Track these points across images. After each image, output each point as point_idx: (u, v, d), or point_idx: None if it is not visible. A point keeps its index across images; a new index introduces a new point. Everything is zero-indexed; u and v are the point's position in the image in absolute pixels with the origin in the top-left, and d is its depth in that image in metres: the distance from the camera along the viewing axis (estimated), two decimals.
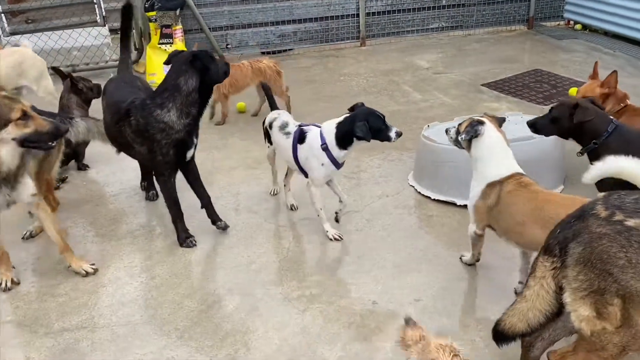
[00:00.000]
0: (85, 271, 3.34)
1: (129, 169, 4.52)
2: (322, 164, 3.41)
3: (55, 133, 2.98)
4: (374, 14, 8.01)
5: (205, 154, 4.72)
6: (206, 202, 3.70)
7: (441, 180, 3.93)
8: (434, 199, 3.95)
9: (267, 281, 3.23)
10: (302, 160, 3.49)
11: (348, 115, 3.37)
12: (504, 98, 5.79)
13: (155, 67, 6.79)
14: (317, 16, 7.86)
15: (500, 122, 3.06)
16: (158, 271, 3.39)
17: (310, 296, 3.08)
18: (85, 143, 4.46)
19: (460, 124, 3.05)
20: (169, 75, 3.38)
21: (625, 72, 6.30)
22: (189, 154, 3.52)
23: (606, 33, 7.65)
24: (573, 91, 5.75)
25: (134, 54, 7.52)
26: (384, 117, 3.32)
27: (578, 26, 8.19)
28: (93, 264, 3.41)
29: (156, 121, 3.32)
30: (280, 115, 3.71)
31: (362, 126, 3.22)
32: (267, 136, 3.82)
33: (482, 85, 6.20)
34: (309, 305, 3.01)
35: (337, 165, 3.44)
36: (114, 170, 4.62)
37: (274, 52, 7.86)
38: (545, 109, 5.31)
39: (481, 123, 2.92)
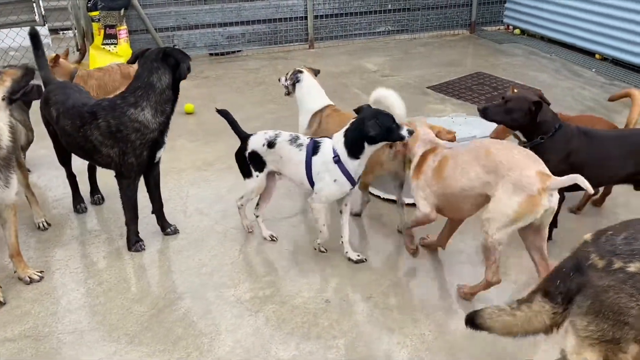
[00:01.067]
0: (30, 278, 3.22)
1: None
2: (335, 180, 3.11)
3: (29, 74, 3.05)
4: (321, 16, 8.09)
5: None
6: (158, 208, 3.65)
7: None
8: (384, 198, 4.03)
9: (219, 284, 3.20)
10: (315, 176, 3.17)
11: (354, 119, 3.13)
12: (449, 100, 5.98)
13: None
14: (265, 18, 7.86)
15: (315, 72, 4.02)
16: (106, 276, 3.31)
17: (264, 297, 3.09)
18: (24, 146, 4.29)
19: (286, 74, 3.97)
20: (141, 73, 3.30)
21: (561, 75, 6.63)
22: (159, 154, 3.45)
23: (543, 38, 8.01)
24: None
25: (75, 55, 7.31)
26: (392, 116, 3.06)
27: (517, 31, 8.54)
28: (42, 272, 3.29)
29: (130, 120, 3.23)
30: (268, 132, 3.35)
31: (374, 124, 2.95)
32: (256, 163, 3.38)
33: (427, 87, 6.37)
34: (262, 307, 3.01)
35: (352, 181, 3.14)
36: (57, 174, 4.45)
37: (222, 54, 7.81)
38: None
39: (300, 72, 3.88)
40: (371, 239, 3.62)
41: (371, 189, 4.13)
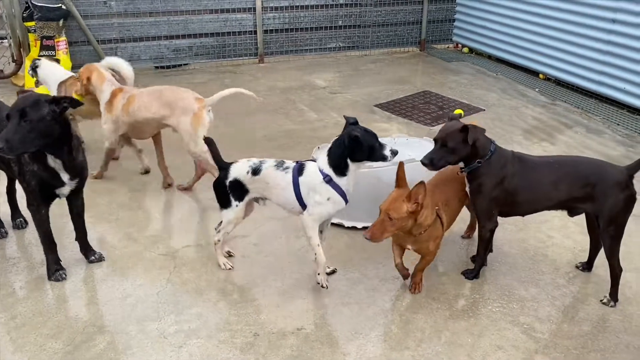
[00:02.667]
0: None
1: None
2: (329, 199, 3.08)
3: None
4: (271, 31, 8.00)
5: None
6: (81, 237, 3.47)
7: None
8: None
9: (143, 316, 3.02)
10: (304, 195, 3.13)
11: (337, 138, 3.10)
12: (395, 119, 5.96)
13: (33, 83, 6.30)
14: (213, 31, 7.73)
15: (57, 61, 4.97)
16: (20, 309, 3.08)
17: (189, 331, 2.92)
18: None
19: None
20: None
21: (507, 95, 6.73)
22: (60, 192, 3.19)
23: (490, 57, 8.15)
24: (458, 112, 6.03)
25: (11, 67, 6.98)
26: (376, 135, 3.05)
27: (465, 49, 8.66)
28: None
29: None
30: (252, 160, 3.26)
31: (352, 141, 2.95)
32: (237, 192, 3.25)
33: (375, 105, 6.35)
34: (186, 341, 2.84)
35: (346, 199, 3.12)
36: None
37: (168, 67, 7.61)
38: (433, 129, 5.54)
39: (38, 59, 4.85)
40: (308, 265, 3.50)
41: None
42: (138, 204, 4.20)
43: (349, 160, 3.04)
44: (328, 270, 3.36)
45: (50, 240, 3.29)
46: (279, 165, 3.21)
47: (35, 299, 3.16)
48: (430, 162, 3.09)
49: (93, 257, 3.46)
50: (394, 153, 3.04)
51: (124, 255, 3.56)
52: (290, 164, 3.22)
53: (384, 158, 3.03)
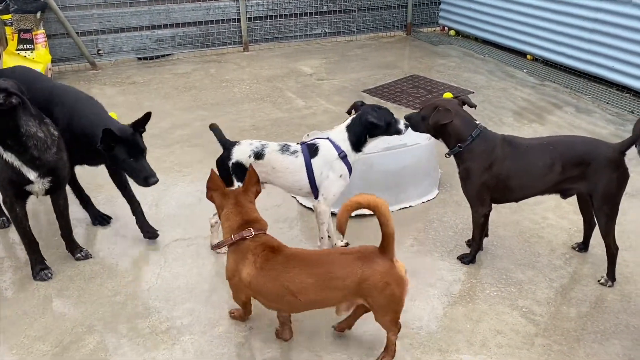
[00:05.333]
0: None
1: None
2: (341, 175, 3.18)
3: None
4: (255, 18, 7.85)
5: None
6: (66, 234, 3.37)
7: None
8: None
9: (133, 314, 2.94)
10: (318, 177, 3.16)
11: (355, 115, 3.22)
12: (384, 104, 5.87)
13: None
14: (196, 20, 7.56)
15: None
16: (6, 312, 2.97)
17: (181, 327, 2.84)
18: None
19: None
20: None
21: (495, 77, 6.67)
22: (30, 189, 3.05)
23: (477, 39, 8.07)
24: (447, 96, 5.97)
25: None
26: (389, 111, 3.23)
27: (452, 32, 8.58)
28: None
29: None
30: (254, 143, 3.19)
31: (376, 114, 3.12)
32: (239, 175, 3.13)
33: (363, 91, 6.26)
34: (179, 338, 2.77)
35: (350, 174, 3.25)
36: None
37: (151, 58, 7.45)
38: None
39: None
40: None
41: (302, 200, 3.97)
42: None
43: (367, 136, 3.18)
44: (342, 243, 3.46)
45: (30, 239, 3.19)
46: (285, 149, 3.18)
47: (21, 300, 3.07)
48: (409, 119, 3.24)
49: (79, 255, 3.36)
50: (407, 126, 3.23)
51: (112, 252, 3.46)
52: (297, 147, 3.21)
53: (399, 131, 3.21)
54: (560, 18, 6.46)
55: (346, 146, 3.17)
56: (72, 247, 3.37)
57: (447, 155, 3.18)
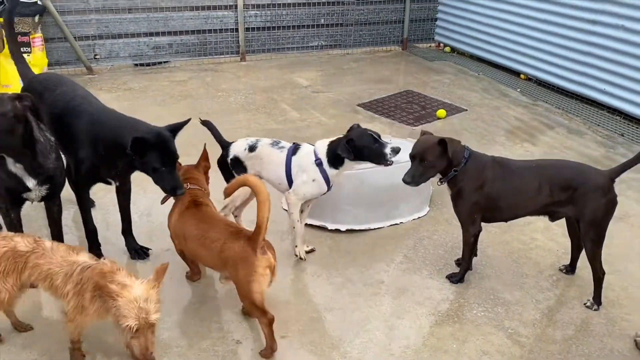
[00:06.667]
0: None
1: None
2: (314, 180, 3.33)
3: None
4: (253, 29, 7.90)
5: None
6: (58, 240, 3.33)
7: (313, 205, 3.87)
8: (307, 224, 3.87)
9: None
10: (294, 173, 3.38)
11: (342, 136, 3.34)
12: (378, 119, 5.92)
13: (10, 79, 6.11)
14: (194, 29, 7.61)
15: None
16: None
17: (168, 339, 2.85)
18: None
19: None
20: None
21: (489, 95, 6.74)
22: (27, 197, 3.05)
23: (472, 56, 8.16)
24: (441, 113, 6.03)
25: None
26: (378, 135, 3.28)
27: (447, 48, 8.66)
28: None
29: None
30: (250, 138, 3.50)
31: (343, 146, 3.20)
32: (239, 169, 3.43)
33: (357, 105, 6.31)
34: (166, 350, 2.77)
35: (328, 184, 3.36)
36: None
37: (147, 64, 7.47)
38: (415, 129, 5.52)
39: None
40: (292, 269, 3.45)
41: (309, 220, 3.97)
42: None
43: (344, 158, 3.27)
44: (307, 248, 3.59)
45: None
46: (275, 143, 3.46)
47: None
48: (412, 179, 3.13)
49: None
50: (396, 151, 3.20)
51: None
52: (286, 144, 3.46)
53: (383, 156, 3.19)
54: (554, 39, 6.54)
55: (323, 157, 3.33)
56: None
57: (440, 183, 3.19)
